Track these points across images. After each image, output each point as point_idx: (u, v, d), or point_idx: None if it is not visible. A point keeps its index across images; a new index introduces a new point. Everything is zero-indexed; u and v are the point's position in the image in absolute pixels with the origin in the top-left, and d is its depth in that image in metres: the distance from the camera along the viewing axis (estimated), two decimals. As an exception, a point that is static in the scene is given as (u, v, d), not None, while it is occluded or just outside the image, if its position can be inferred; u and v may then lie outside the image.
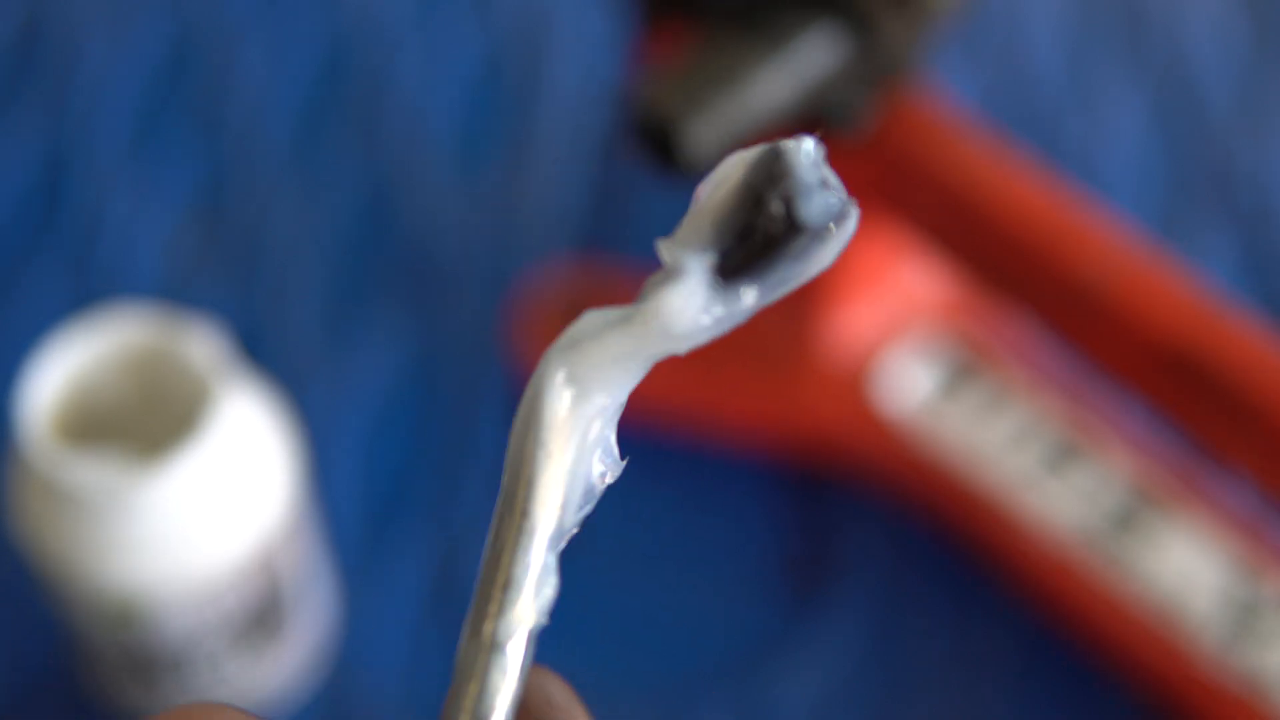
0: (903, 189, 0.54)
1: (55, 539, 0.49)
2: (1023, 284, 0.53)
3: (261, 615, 0.52)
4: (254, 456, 0.50)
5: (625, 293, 0.62)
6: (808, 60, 0.50)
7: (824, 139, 0.26)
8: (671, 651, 0.58)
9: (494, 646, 0.26)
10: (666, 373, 0.62)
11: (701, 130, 0.48)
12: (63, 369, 0.49)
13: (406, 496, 0.60)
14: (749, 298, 0.26)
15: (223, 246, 0.67)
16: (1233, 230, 0.67)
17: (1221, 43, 0.72)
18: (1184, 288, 0.50)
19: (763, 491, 0.61)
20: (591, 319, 0.26)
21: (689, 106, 0.49)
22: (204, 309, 0.62)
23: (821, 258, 0.26)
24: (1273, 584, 0.55)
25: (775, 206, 0.25)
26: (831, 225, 0.26)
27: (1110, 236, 0.51)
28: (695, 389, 0.60)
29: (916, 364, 0.60)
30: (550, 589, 0.26)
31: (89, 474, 0.47)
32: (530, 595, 0.26)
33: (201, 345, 0.49)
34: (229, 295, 0.65)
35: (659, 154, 0.49)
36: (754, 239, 0.25)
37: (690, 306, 0.25)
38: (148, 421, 0.51)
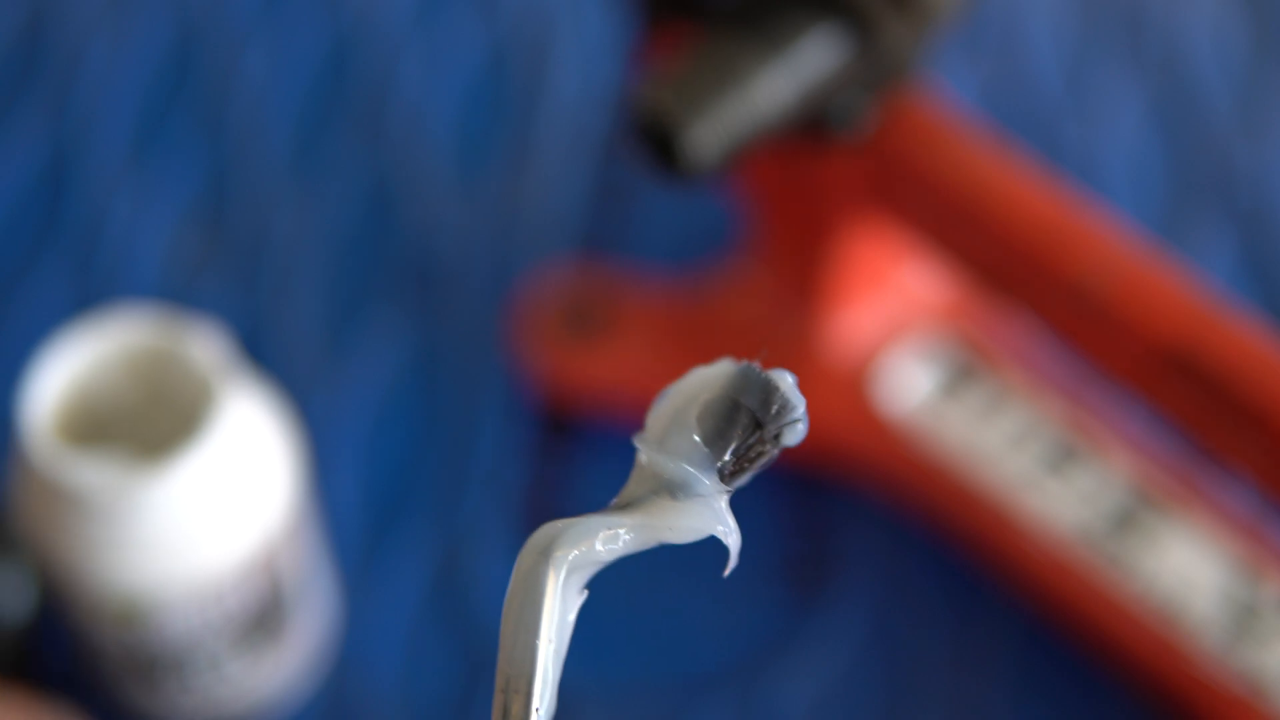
0: (901, 190, 0.54)
1: (58, 539, 0.49)
2: (1022, 285, 0.53)
3: (263, 615, 0.52)
4: (256, 457, 0.50)
5: (625, 294, 0.62)
6: (808, 62, 0.50)
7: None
8: (672, 652, 0.58)
9: None
10: (668, 374, 0.62)
11: (702, 132, 0.49)
12: (66, 370, 0.49)
13: (407, 497, 0.60)
14: (730, 493, 0.29)
15: (224, 248, 0.67)
16: (1232, 230, 0.67)
17: (1221, 43, 0.72)
18: (1183, 288, 0.50)
19: (763, 492, 0.61)
20: (591, 523, 0.28)
21: (690, 109, 0.49)
22: (205, 310, 0.62)
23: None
24: (1272, 584, 0.55)
25: (770, 431, 0.28)
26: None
27: (1110, 237, 0.51)
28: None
29: (917, 365, 0.60)
30: None
31: (92, 475, 0.47)
32: None
33: (204, 346, 0.49)
34: (231, 297, 0.65)
35: (660, 156, 0.50)
36: (742, 455, 0.29)
37: (713, 520, 0.29)
38: (150, 422, 0.51)
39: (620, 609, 0.59)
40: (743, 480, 0.29)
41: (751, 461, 0.29)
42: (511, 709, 0.28)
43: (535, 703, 0.28)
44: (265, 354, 0.62)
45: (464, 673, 0.57)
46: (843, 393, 0.60)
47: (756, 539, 0.60)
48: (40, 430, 0.48)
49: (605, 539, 0.28)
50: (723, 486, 0.29)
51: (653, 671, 0.57)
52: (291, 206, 0.68)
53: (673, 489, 0.29)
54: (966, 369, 0.60)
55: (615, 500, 0.29)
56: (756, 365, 0.29)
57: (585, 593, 0.29)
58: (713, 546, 0.62)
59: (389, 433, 0.62)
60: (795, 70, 0.50)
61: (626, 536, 0.28)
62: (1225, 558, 0.56)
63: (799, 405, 0.28)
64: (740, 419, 0.29)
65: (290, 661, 0.55)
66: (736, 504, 0.64)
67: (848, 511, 0.60)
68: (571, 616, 0.29)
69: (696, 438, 0.29)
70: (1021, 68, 0.72)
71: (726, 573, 0.29)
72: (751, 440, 0.29)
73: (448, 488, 0.61)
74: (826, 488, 0.60)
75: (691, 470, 0.29)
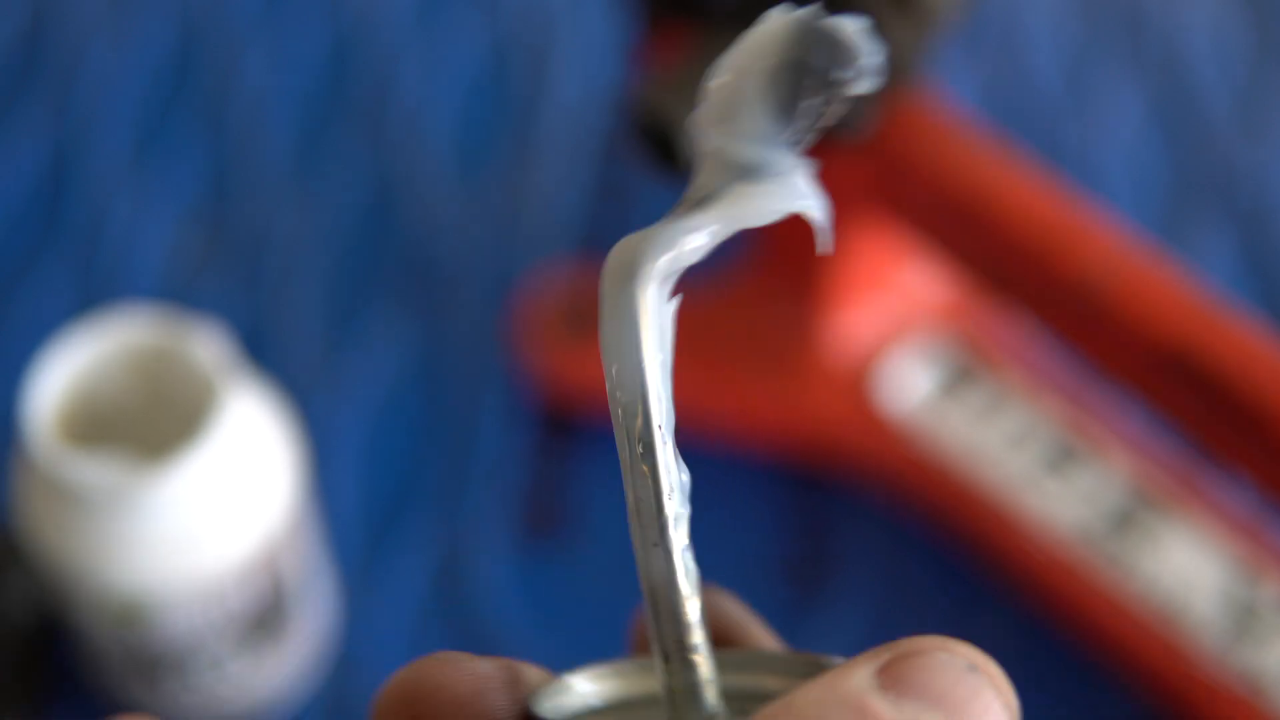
0: (902, 190, 0.54)
1: (61, 539, 0.49)
2: (1022, 285, 0.53)
3: (264, 615, 0.52)
4: (258, 457, 0.50)
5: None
6: None
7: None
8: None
9: (675, 551, 0.27)
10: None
11: None
12: (68, 370, 0.49)
13: (408, 497, 0.61)
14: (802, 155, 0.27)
15: (226, 249, 0.67)
16: (1232, 230, 0.67)
17: (1221, 43, 0.72)
18: (1182, 288, 0.50)
19: (764, 491, 0.61)
20: (671, 230, 0.26)
21: (689, 109, 0.49)
22: (206, 310, 0.62)
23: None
24: (1271, 584, 0.55)
25: (843, 84, 0.26)
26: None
27: (1109, 237, 0.51)
28: (698, 389, 0.60)
29: (917, 365, 0.60)
30: (687, 476, 0.27)
31: (94, 474, 0.47)
32: (681, 493, 0.27)
33: (206, 346, 0.49)
34: (232, 297, 0.65)
35: (659, 156, 0.50)
36: (815, 117, 0.26)
37: (797, 197, 0.26)
38: (152, 422, 0.51)
39: (619, 607, 0.59)
40: (813, 141, 0.26)
41: (823, 121, 0.26)
42: (634, 435, 0.27)
43: (655, 420, 0.27)
44: (266, 354, 0.63)
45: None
46: (843, 392, 0.60)
47: (758, 538, 0.60)
48: (43, 430, 0.48)
49: (689, 241, 0.26)
50: (800, 158, 0.26)
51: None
52: (292, 207, 0.68)
53: (749, 172, 0.26)
54: (966, 369, 0.60)
55: (687, 194, 0.27)
56: (813, 14, 0.26)
57: (679, 296, 0.27)
58: (714, 545, 0.62)
59: (390, 432, 0.62)
60: None
61: (705, 235, 0.26)
62: (1225, 557, 0.56)
63: (870, 48, 0.25)
64: (810, 80, 0.26)
65: (292, 660, 0.55)
66: (738, 503, 0.64)
67: (848, 511, 0.60)
68: (669, 325, 0.27)
69: (765, 111, 0.26)
70: (1021, 68, 0.72)
71: (821, 249, 0.27)
72: (823, 100, 0.26)
73: (449, 487, 0.61)
74: (827, 487, 0.61)
75: (766, 149, 0.26)
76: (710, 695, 0.27)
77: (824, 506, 0.60)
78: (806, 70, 0.26)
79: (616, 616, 0.58)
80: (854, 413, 0.59)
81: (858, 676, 0.26)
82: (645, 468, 0.27)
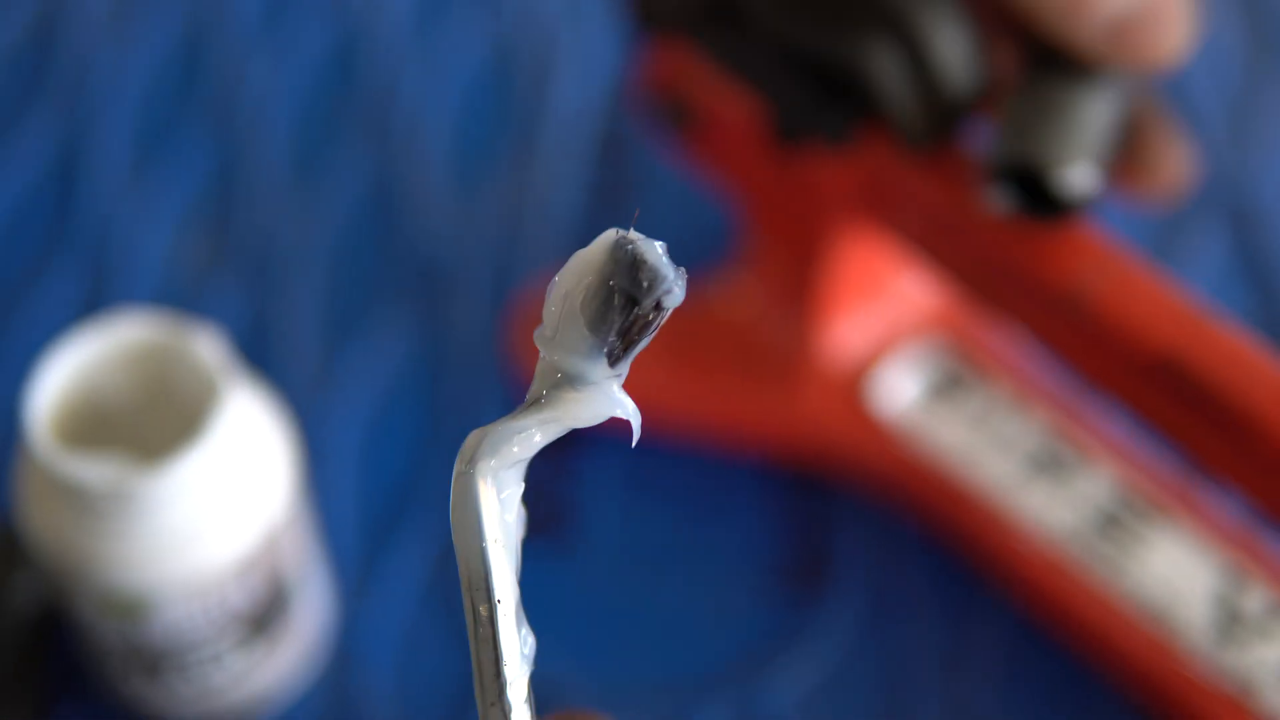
0: (886, 198, 0.54)
1: (63, 537, 0.49)
2: (1007, 294, 0.52)
3: (264, 610, 0.52)
4: (258, 455, 0.51)
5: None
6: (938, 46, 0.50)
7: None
8: (669, 654, 0.58)
9: (511, 711, 0.31)
10: (666, 378, 0.62)
11: None
12: (69, 369, 0.50)
13: (406, 497, 0.61)
14: (625, 370, 0.30)
15: (227, 252, 0.67)
16: (1224, 237, 0.67)
17: (1213, 49, 0.72)
18: (1172, 298, 0.50)
19: (760, 495, 0.61)
20: (505, 429, 0.30)
21: None
22: (210, 313, 0.63)
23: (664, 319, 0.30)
24: (1258, 588, 0.55)
25: (648, 302, 0.29)
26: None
27: (1098, 246, 0.51)
28: (694, 394, 0.61)
29: (911, 371, 0.61)
30: (531, 641, 0.31)
31: (95, 474, 0.48)
32: (520, 658, 0.31)
33: (206, 346, 0.50)
34: (235, 300, 0.66)
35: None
36: (626, 334, 0.30)
37: (610, 405, 0.30)
38: (153, 421, 0.52)
39: (617, 610, 0.59)
40: (631, 356, 0.30)
41: (637, 337, 0.30)
42: (478, 607, 0.30)
43: (496, 595, 0.30)
44: (269, 356, 0.63)
45: (462, 667, 0.57)
46: (837, 398, 0.60)
47: (754, 542, 0.60)
48: (44, 429, 0.48)
49: (520, 440, 0.30)
50: (612, 371, 0.30)
51: (649, 673, 0.57)
52: (296, 211, 0.68)
53: (571, 381, 0.30)
54: (958, 376, 0.61)
55: (527, 396, 0.31)
56: (625, 240, 0.29)
57: (522, 485, 0.31)
58: (711, 548, 0.62)
59: (389, 433, 0.62)
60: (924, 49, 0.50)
61: (537, 435, 0.30)
62: (1213, 562, 0.56)
63: (668, 273, 0.29)
64: (616, 300, 0.29)
65: (290, 656, 0.55)
66: (734, 507, 0.64)
67: (842, 514, 0.60)
68: (510, 515, 0.31)
69: (583, 327, 0.30)
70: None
71: (634, 443, 0.31)
72: (631, 318, 0.29)
73: (447, 487, 0.61)
74: (822, 489, 0.61)
75: (583, 361, 0.30)
76: None
77: (818, 509, 0.61)
78: (616, 291, 0.29)
79: (616, 617, 0.59)
80: (848, 417, 0.60)
81: None
82: (488, 634, 0.31)
